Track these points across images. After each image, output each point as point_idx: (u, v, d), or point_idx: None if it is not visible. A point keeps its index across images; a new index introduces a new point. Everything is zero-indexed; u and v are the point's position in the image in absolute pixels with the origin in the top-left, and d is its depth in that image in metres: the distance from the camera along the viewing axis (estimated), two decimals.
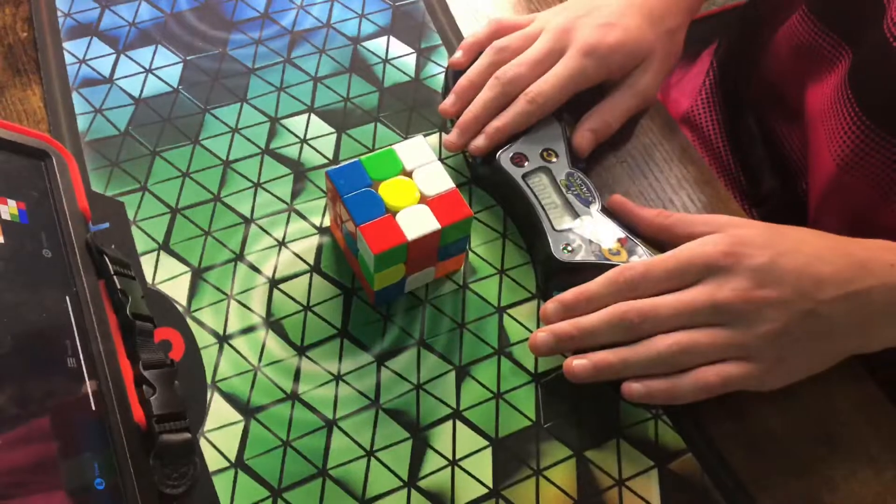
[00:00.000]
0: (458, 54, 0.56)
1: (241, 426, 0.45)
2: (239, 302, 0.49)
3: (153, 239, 0.51)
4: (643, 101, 0.55)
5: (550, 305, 0.46)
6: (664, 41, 0.54)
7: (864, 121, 0.49)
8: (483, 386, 0.47)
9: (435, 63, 0.60)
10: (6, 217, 0.42)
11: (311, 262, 0.51)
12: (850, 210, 0.53)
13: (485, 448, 0.45)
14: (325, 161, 0.55)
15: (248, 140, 0.55)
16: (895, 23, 0.47)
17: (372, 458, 0.44)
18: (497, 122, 0.51)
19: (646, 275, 0.44)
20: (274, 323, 0.48)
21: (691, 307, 0.43)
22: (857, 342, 0.44)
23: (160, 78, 0.58)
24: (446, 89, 0.56)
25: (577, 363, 0.44)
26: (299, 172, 0.54)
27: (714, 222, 0.46)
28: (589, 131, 0.53)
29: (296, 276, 0.50)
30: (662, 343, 0.43)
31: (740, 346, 0.42)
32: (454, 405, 0.46)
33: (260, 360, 0.47)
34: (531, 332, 0.48)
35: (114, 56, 0.59)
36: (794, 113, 0.59)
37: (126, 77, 0.58)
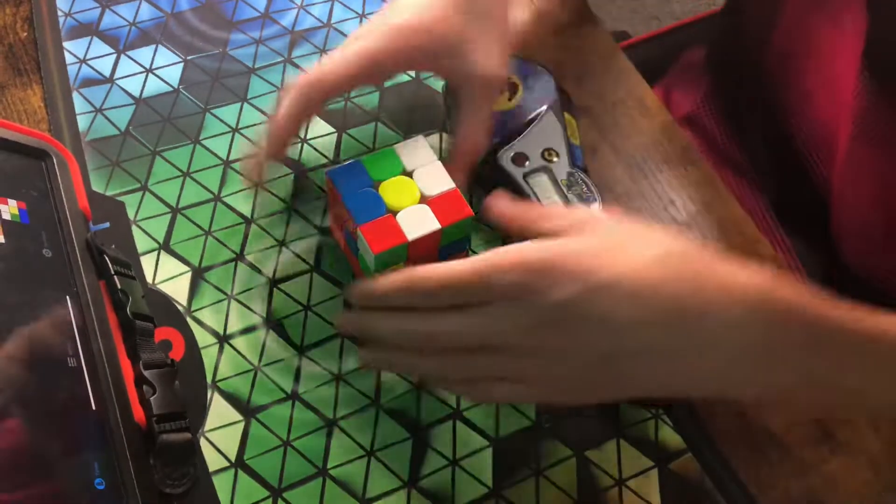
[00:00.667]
0: None
1: (241, 426, 0.45)
2: (239, 302, 0.49)
3: (153, 239, 0.51)
4: (486, 86, 0.50)
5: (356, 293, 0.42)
6: (478, 23, 0.49)
7: (881, 90, 0.49)
8: None
9: None
10: (6, 217, 0.42)
11: (311, 262, 0.51)
12: (872, 186, 0.52)
13: (485, 448, 0.45)
14: (326, 161, 0.55)
15: (249, 140, 0.55)
16: None
17: (372, 458, 0.44)
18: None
19: (443, 286, 0.38)
20: (274, 323, 0.48)
21: (470, 338, 0.38)
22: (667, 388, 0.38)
23: (160, 78, 0.58)
24: (447, 89, 0.56)
25: (367, 356, 0.43)
26: (299, 172, 0.54)
27: (559, 223, 0.39)
28: (461, 165, 0.49)
29: (296, 275, 0.50)
30: (448, 359, 0.39)
31: (522, 376, 0.38)
32: (454, 405, 0.46)
33: (260, 360, 0.47)
34: None
35: (114, 56, 0.59)
36: (802, 96, 0.59)
37: (126, 77, 0.58)
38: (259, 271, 0.50)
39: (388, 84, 0.59)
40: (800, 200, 0.62)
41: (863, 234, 0.56)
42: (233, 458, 0.44)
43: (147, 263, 0.50)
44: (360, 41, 0.47)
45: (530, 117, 0.53)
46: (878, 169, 0.51)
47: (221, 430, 0.45)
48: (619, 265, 0.36)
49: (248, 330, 0.48)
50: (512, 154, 0.52)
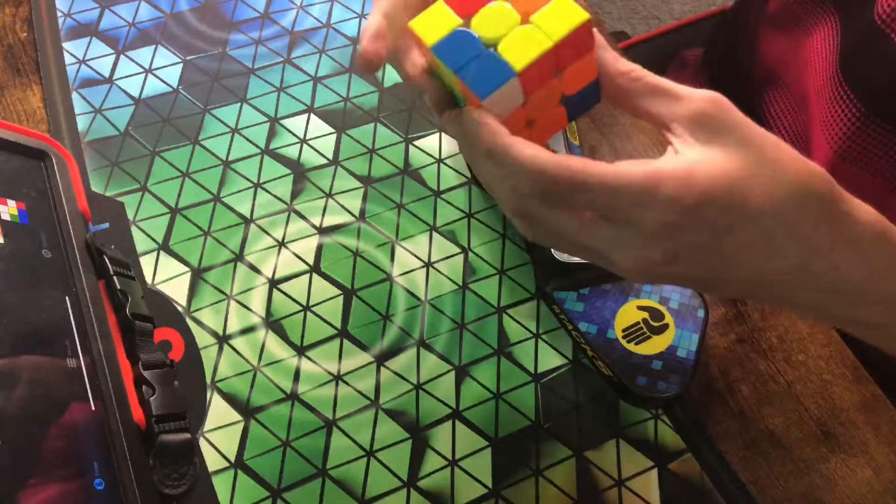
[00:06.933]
0: None
1: (240, 426, 0.45)
2: (239, 302, 0.49)
3: (153, 239, 0.51)
4: None
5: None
6: None
7: (859, 108, 0.49)
8: (483, 386, 0.47)
9: None
10: (6, 217, 0.42)
11: (311, 263, 0.51)
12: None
13: (484, 448, 0.45)
14: (325, 161, 0.55)
15: (248, 140, 0.55)
16: (886, 12, 0.47)
17: (372, 459, 0.44)
18: None
19: (606, 193, 0.35)
20: (273, 323, 0.48)
21: (606, 243, 0.36)
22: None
23: (160, 78, 0.58)
24: None
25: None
26: (299, 172, 0.54)
27: (679, 111, 0.36)
28: None
29: (295, 276, 0.50)
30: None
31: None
32: (454, 405, 0.46)
33: (260, 360, 0.47)
34: (531, 332, 0.48)
35: (114, 56, 0.59)
36: (791, 106, 0.59)
37: (126, 77, 0.58)
38: (258, 271, 0.50)
39: (387, 84, 0.59)
40: None
41: None
42: (232, 459, 0.44)
43: (146, 264, 0.50)
44: None
45: None
46: (865, 187, 0.51)
47: (221, 431, 0.45)
48: (761, 196, 0.33)
49: (247, 330, 0.48)
50: None
